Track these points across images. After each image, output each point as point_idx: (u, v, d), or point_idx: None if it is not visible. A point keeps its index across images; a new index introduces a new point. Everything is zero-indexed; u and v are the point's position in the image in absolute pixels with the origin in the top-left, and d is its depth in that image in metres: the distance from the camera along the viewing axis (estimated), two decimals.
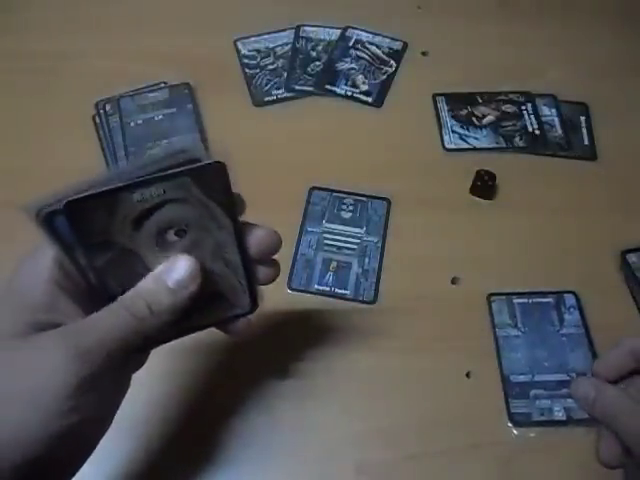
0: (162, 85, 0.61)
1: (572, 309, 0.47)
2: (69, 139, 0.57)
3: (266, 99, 0.62)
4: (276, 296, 0.43)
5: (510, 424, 0.43)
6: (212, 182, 0.30)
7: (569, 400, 0.43)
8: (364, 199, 0.54)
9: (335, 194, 0.55)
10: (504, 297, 0.48)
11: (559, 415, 0.43)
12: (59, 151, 0.56)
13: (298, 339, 0.47)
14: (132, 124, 0.58)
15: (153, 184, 0.29)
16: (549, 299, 0.48)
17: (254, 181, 0.55)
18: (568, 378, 0.44)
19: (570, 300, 0.48)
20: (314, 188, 0.55)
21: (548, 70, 0.64)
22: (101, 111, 0.59)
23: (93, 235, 0.29)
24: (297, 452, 0.42)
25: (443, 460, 0.42)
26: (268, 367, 0.45)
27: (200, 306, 0.32)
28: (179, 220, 0.31)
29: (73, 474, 0.30)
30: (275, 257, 0.35)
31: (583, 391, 0.35)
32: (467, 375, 0.45)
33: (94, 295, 0.31)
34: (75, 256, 0.30)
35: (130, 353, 0.29)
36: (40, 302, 0.29)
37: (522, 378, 0.45)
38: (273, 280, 0.35)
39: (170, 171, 0.29)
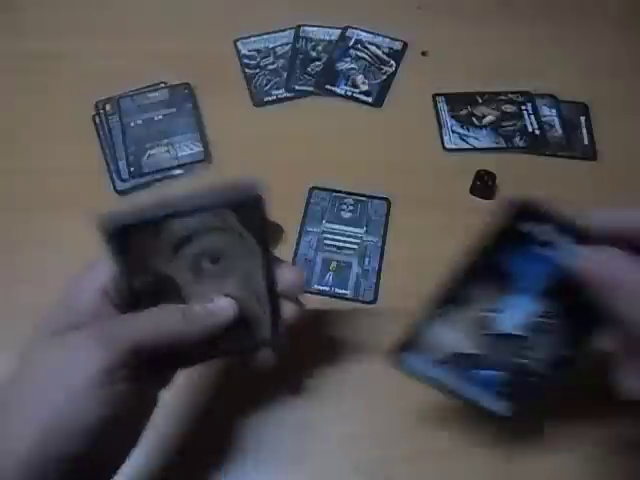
0: (162, 85, 0.61)
1: None
2: (69, 139, 0.57)
3: (266, 99, 0.62)
4: None
5: None
6: (249, 213, 0.31)
7: None
8: (364, 199, 0.54)
9: (335, 194, 0.55)
10: None
11: None
12: (59, 151, 0.56)
13: (297, 339, 0.47)
14: (132, 124, 0.58)
15: (195, 213, 0.30)
16: None
17: None
18: None
19: None
20: (314, 188, 0.55)
21: (548, 70, 0.64)
22: (101, 111, 0.59)
23: (136, 258, 0.30)
24: (297, 452, 0.42)
25: (443, 460, 0.42)
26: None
27: (224, 333, 0.33)
28: (214, 248, 0.32)
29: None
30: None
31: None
32: None
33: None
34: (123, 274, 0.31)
35: (154, 355, 0.30)
36: (86, 307, 0.31)
37: None
38: (297, 317, 0.36)
39: (211, 202, 0.30)
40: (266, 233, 0.32)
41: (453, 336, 0.34)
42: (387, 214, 0.53)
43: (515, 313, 0.32)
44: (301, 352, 0.46)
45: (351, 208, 0.54)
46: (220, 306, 0.33)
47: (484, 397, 0.36)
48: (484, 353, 0.34)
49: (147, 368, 0.30)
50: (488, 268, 0.31)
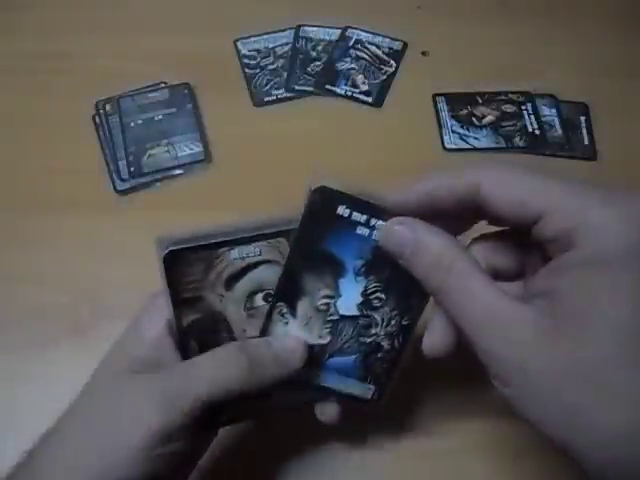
0: (162, 85, 0.61)
1: None
2: (69, 139, 0.57)
3: (266, 99, 0.62)
4: None
5: None
6: None
7: None
8: None
9: None
10: None
11: None
12: (59, 151, 0.56)
13: None
14: (132, 124, 0.58)
15: (251, 243, 0.29)
16: None
17: (254, 181, 0.55)
18: None
19: None
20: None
21: (548, 70, 0.64)
22: (101, 111, 0.59)
23: (186, 289, 0.29)
24: (296, 451, 0.42)
25: (443, 460, 0.42)
26: None
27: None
28: (270, 283, 0.30)
29: None
30: None
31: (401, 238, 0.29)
32: (467, 375, 0.45)
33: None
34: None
35: (211, 411, 0.29)
36: (150, 337, 0.30)
37: None
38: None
39: (268, 230, 0.29)
40: None
41: (300, 330, 0.32)
42: None
43: (350, 295, 0.32)
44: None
45: None
46: (288, 347, 0.30)
47: (346, 385, 0.35)
48: (332, 340, 0.33)
49: (203, 424, 0.29)
50: (316, 256, 0.30)
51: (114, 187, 0.55)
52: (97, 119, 0.59)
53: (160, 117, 0.59)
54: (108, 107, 0.59)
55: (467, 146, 0.58)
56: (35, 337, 0.46)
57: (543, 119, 0.60)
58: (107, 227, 0.52)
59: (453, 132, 0.59)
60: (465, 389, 0.45)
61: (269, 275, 0.30)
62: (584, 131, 0.60)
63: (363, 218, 0.31)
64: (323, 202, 0.30)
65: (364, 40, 0.66)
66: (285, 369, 0.30)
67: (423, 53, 0.66)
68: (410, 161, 0.57)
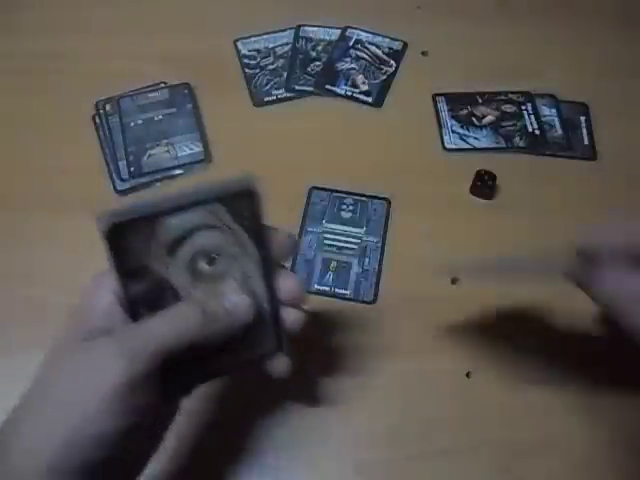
0: (162, 85, 0.61)
1: None
2: (69, 139, 0.57)
3: (266, 99, 0.62)
4: None
5: None
6: (243, 210, 0.31)
7: None
8: (364, 199, 0.54)
9: (335, 194, 0.55)
10: None
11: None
12: (59, 151, 0.56)
13: (298, 338, 0.47)
14: (132, 124, 0.58)
15: (188, 210, 0.30)
16: None
17: None
18: None
19: None
20: (314, 188, 0.55)
21: (548, 70, 0.64)
22: (101, 111, 0.59)
23: (131, 261, 0.30)
24: (296, 452, 0.42)
25: (443, 460, 0.42)
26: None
27: (229, 345, 0.32)
28: (210, 247, 0.32)
29: None
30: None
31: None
32: (467, 375, 0.45)
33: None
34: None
35: (171, 365, 0.30)
36: (99, 308, 0.31)
37: None
38: (300, 326, 0.34)
39: (202, 197, 0.30)
40: (262, 231, 0.32)
41: None
42: (387, 214, 0.54)
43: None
44: (301, 353, 0.46)
45: (351, 208, 0.54)
46: (237, 304, 0.32)
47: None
48: None
49: (168, 378, 0.30)
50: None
51: (114, 187, 0.55)
52: (97, 119, 0.59)
53: (160, 117, 0.59)
54: (108, 107, 0.59)
55: (467, 146, 0.58)
56: (35, 337, 0.46)
57: (543, 119, 0.60)
58: None
59: (453, 132, 0.59)
60: (465, 389, 0.45)
61: (210, 239, 0.31)
62: (584, 131, 0.60)
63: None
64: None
65: (364, 40, 0.66)
66: (236, 321, 0.32)
67: (423, 53, 0.66)
68: (410, 161, 0.57)
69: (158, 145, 0.57)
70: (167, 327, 0.30)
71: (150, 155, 0.57)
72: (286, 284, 0.33)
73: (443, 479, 0.42)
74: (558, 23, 0.68)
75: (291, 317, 0.34)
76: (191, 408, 0.43)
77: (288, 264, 0.50)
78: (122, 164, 0.56)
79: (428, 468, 0.42)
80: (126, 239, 0.29)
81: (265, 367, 0.35)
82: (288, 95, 0.62)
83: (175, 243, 0.31)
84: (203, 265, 0.32)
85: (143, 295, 0.31)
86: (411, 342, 0.47)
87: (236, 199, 0.30)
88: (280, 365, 0.35)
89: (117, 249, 0.29)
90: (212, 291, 0.32)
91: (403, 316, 0.48)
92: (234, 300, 0.32)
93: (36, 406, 0.29)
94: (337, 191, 0.55)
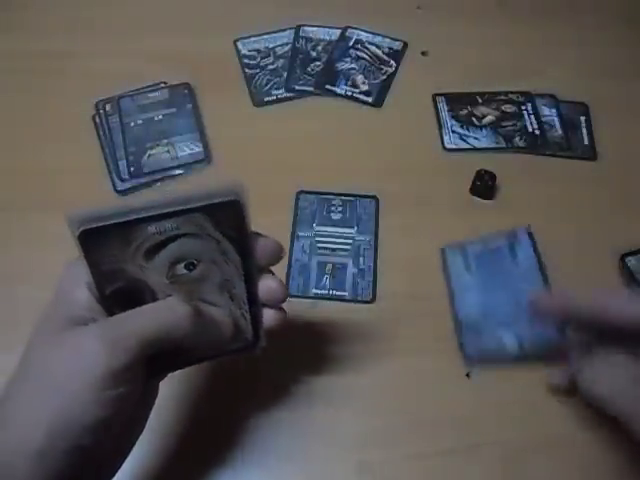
0: (162, 85, 0.61)
1: None
2: (69, 139, 0.57)
3: (266, 99, 0.62)
4: None
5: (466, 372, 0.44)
6: (226, 219, 0.31)
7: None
8: (352, 199, 0.54)
9: (322, 196, 0.54)
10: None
11: (512, 345, 0.43)
12: (59, 151, 0.56)
13: (298, 343, 0.47)
14: (132, 124, 0.58)
15: (168, 218, 0.29)
16: None
17: (254, 181, 0.55)
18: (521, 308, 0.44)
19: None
20: (302, 192, 0.54)
21: (548, 70, 0.64)
22: (101, 111, 0.59)
23: (105, 263, 0.30)
24: (297, 452, 0.42)
25: (443, 460, 0.42)
26: (269, 369, 0.45)
27: (202, 338, 0.33)
28: (190, 254, 0.31)
29: (112, 473, 0.32)
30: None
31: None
32: (467, 375, 0.45)
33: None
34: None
35: (154, 356, 0.30)
36: (79, 300, 0.31)
37: (474, 317, 0.45)
38: (280, 324, 0.36)
39: (184, 206, 0.29)
40: (246, 239, 0.32)
41: None
42: (376, 212, 0.53)
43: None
44: (302, 353, 0.46)
45: (340, 209, 0.54)
46: (221, 318, 0.33)
47: None
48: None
49: (149, 366, 0.31)
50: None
51: (114, 187, 0.55)
52: (97, 119, 0.59)
53: (160, 117, 0.59)
54: (108, 107, 0.59)
55: (467, 146, 0.58)
56: None
57: (543, 119, 0.60)
58: None
59: (453, 132, 0.59)
60: (465, 389, 0.45)
61: (189, 246, 0.31)
62: (584, 131, 0.60)
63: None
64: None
65: (364, 40, 0.66)
66: (219, 334, 0.33)
67: (423, 53, 0.66)
68: (410, 161, 0.57)
69: (158, 145, 0.57)
70: (150, 320, 0.30)
71: (150, 155, 0.57)
72: (267, 286, 0.34)
73: (443, 479, 0.42)
74: (558, 23, 0.68)
75: (271, 317, 0.35)
76: (190, 409, 0.43)
77: (283, 270, 0.50)
78: (122, 164, 0.56)
79: (428, 468, 0.42)
80: (99, 243, 0.29)
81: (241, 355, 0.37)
82: (288, 95, 0.62)
83: (153, 249, 0.30)
84: (181, 270, 0.32)
85: (119, 294, 0.31)
86: (411, 341, 0.47)
87: (220, 209, 0.30)
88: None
89: (91, 251, 0.29)
90: (190, 293, 0.32)
91: (403, 315, 0.48)
92: (219, 320, 0.33)
93: (21, 392, 0.29)
94: (325, 193, 0.54)
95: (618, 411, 0.36)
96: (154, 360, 0.31)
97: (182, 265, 0.31)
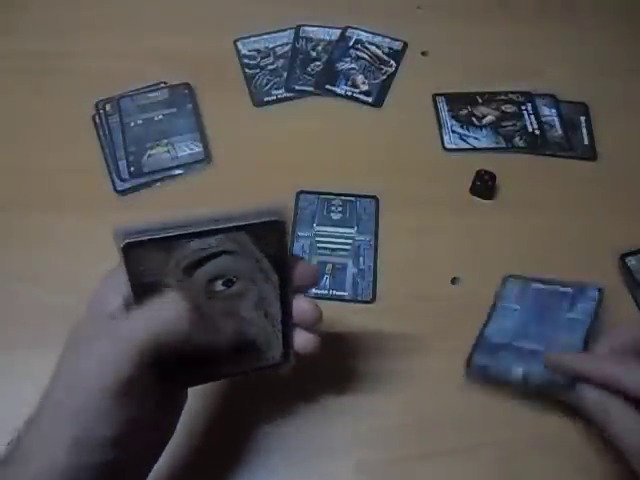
0: (162, 85, 0.61)
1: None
2: (69, 139, 0.57)
3: (266, 99, 0.62)
4: None
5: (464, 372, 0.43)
6: (268, 238, 0.31)
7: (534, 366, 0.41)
8: (352, 199, 0.54)
9: (322, 196, 0.54)
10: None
11: (517, 374, 0.41)
12: (59, 151, 0.56)
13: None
14: (132, 124, 0.58)
15: (211, 235, 0.30)
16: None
17: (254, 181, 0.55)
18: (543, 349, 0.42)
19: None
20: (301, 192, 0.54)
21: (548, 70, 0.64)
22: (101, 111, 0.59)
23: (145, 275, 0.30)
24: (297, 452, 0.42)
25: (443, 460, 0.42)
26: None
27: (232, 354, 0.34)
28: (229, 271, 0.32)
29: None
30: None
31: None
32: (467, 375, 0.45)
33: None
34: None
35: (164, 357, 0.30)
36: (112, 310, 0.31)
37: (499, 339, 0.44)
38: (312, 349, 0.36)
39: (228, 225, 0.30)
40: (285, 260, 0.32)
41: None
42: (376, 212, 0.53)
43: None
44: (302, 355, 0.46)
45: (340, 209, 0.54)
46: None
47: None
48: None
49: (169, 371, 0.31)
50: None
51: (114, 187, 0.55)
52: (97, 119, 0.59)
53: (160, 117, 0.59)
54: (108, 107, 0.59)
55: (467, 146, 0.58)
56: (35, 337, 0.46)
57: (543, 119, 0.60)
58: (107, 227, 0.51)
59: (453, 132, 0.59)
60: (465, 389, 0.45)
61: (229, 263, 0.31)
62: (584, 131, 0.60)
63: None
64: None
65: (364, 40, 0.66)
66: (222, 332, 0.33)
67: (423, 53, 0.66)
68: (410, 161, 0.57)
69: (158, 145, 0.57)
70: (150, 320, 0.30)
71: (150, 155, 0.57)
72: (301, 307, 0.35)
73: (443, 479, 0.42)
74: (558, 23, 0.68)
75: (303, 339, 0.36)
76: (190, 409, 0.43)
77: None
78: (122, 164, 0.56)
79: (428, 468, 0.42)
80: (142, 255, 0.29)
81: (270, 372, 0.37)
82: (288, 95, 0.62)
83: (193, 265, 0.31)
84: (219, 286, 0.32)
85: None
86: (411, 342, 0.47)
87: (263, 228, 0.30)
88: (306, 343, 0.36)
89: (132, 263, 0.29)
90: (226, 309, 0.33)
91: (403, 315, 0.48)
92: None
93: (47, 408, 0.29)
94: (325, 193, 0.54)
95: (626, 448, 0.35)
96: (166, 365, 0.31)
97: (221, 282, 0.32)
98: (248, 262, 0.32)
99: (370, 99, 0.62)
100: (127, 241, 0.28)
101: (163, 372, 0.31)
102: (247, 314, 0.34)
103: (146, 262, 0.30)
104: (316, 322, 0.35)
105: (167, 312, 0.30)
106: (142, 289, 0.30)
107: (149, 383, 0.30)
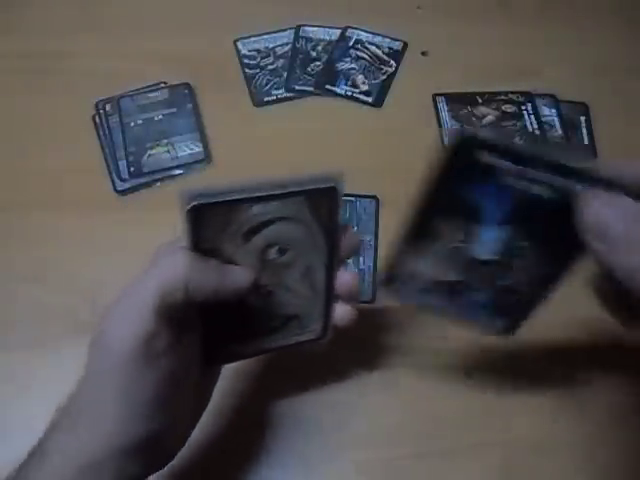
0: (162, 85, 0.61)
1: None
2: (69, 139, 0.57)
3: (266, 99, 0.62)
4: None
5: None
6: (323, 206, 0.31)
7: None
8: (352, 199, 0.54)
9: None
10: None
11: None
12: (59, 151, 0.56)
13: None
14: (132, 124, 0.58)
15: (273, 200, 0.30)
16: None
17: None
18: None
19: None
20: None
21: (548, 70, 0.64)
22: (101, 111, 0.59)
23: (206, 240, 0.30)
24: (297, 452, 0.42)
25: (443, 460, 0.42)
26: (268, 369, 0.45)
27: (276, 325, 0.34)
28: (284, 239, 0.32)
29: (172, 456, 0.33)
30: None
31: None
32: (467, 375, 0.45)
33: None
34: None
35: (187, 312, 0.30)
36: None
37: None
38: (349, 321, 0.36)
39: (289, 189, 0.30)
40: (336, 228, 0.32)
41: (431, 266, 0.35)
42: (376, 212, 0.53)
43: (486, 242, 0.33)
44: (302, 354, 0.46)
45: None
46: (235, 271, 0.32)
47: (478, 317, 0.37)
48: (465, 279, 0.35)
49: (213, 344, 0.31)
50: (451, 202, 0.32)
51: (114, 187, 0.55)
52: (97, 119, 0.59)
53: (160, 117, 0.59)
54: (108, 107, 0.59)
55: None
56: (35, 337, 0.46)
57: (543, 119, 0.60)
58: (107, 227, 0.52)
59: None
60: (465, 389, 0.45)
61: (285, 230, 0.31)
62: (584, 131, 0.60)
63: (511, 166, 0.29)
64: (464, 149, 0.29)
65: (364, 40, 0.66)
66: (233, 283, 0.32)
67: (423, 53, 0.66)
68: (410, 161, 0.57)
69: (158, 145, 0.57)
70: (154, 278, 0.29)
71: (150, 155, 0.57)
72: (344, 279, 0.35)
73: (443, 479, 0.42)
74: (558, 23, 0.68)
75: (342, 311, 0.36)
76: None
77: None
78: (122, 164, 0.56)
79: (428, 468, 0.42)
80: (205, 220, 0.29)
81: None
82: (288, 95, 0.62)
83: (252, 230, 0.31)
84: (273, 254, 0.32)
85: None
86: (411, 341, 0.47)
87: (319, 194, 0.31)
88: (344, 314, 0.37)
89: (195, 228, 0.29)
90: (275, 278, 0.33)
91: (403, 315, 0.48)
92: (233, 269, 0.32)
93: (69, 409, 0.30)
94: None
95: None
96: (216, 342, 0.32)
97: (275, 249, 0.32)
98: (301, 230, 0.32)
99: (370, 99, 0.62)
100: (194, 203, 0.28)
101: (205, 344, 0.32)
102: (293, 284, 0.34)
103: (208, 227, 0.29)
104: (356, 294, 0.36)
105: (173, 264, 0.30)
106: (200, 254, 0.30)
107: (175, 341, 0.29)
